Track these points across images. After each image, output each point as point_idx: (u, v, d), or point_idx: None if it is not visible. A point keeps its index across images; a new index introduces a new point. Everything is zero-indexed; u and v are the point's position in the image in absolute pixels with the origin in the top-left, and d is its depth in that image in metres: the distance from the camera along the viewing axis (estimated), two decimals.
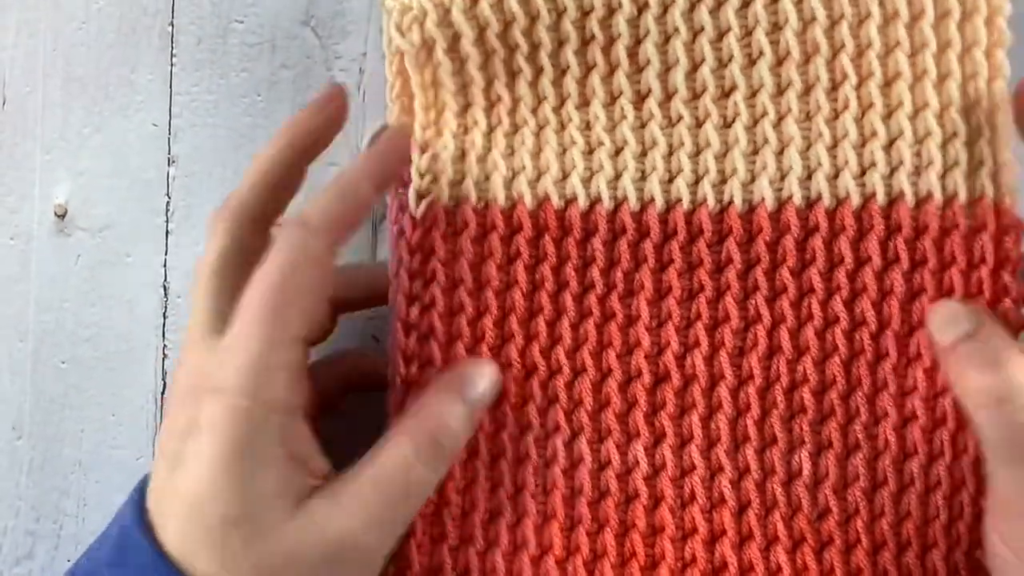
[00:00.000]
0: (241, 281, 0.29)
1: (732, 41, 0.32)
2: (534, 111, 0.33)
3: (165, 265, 0.39)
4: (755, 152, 0.32)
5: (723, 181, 0.32)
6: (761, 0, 0.32)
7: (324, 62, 0.37)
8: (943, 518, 0.31)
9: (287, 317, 0.29)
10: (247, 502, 0.27)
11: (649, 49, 0.32)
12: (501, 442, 0.33)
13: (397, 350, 0.33)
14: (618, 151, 0.33)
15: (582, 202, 0.33)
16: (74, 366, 0.40)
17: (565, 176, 0.33)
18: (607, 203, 0.33)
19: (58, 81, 0.39)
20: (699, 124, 0.33)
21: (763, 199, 0.32)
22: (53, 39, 0.39)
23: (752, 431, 0.32)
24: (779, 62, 0.32)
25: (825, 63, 0.32)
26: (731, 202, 0.32)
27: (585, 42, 0.32)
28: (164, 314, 0.39)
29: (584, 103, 0.33)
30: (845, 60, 0.32)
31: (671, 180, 0.33)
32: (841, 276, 0.32)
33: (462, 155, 0.33)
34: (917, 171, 0.32)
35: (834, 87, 0.32)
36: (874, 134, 0.32)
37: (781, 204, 0.32)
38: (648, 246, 0.33)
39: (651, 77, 0.33)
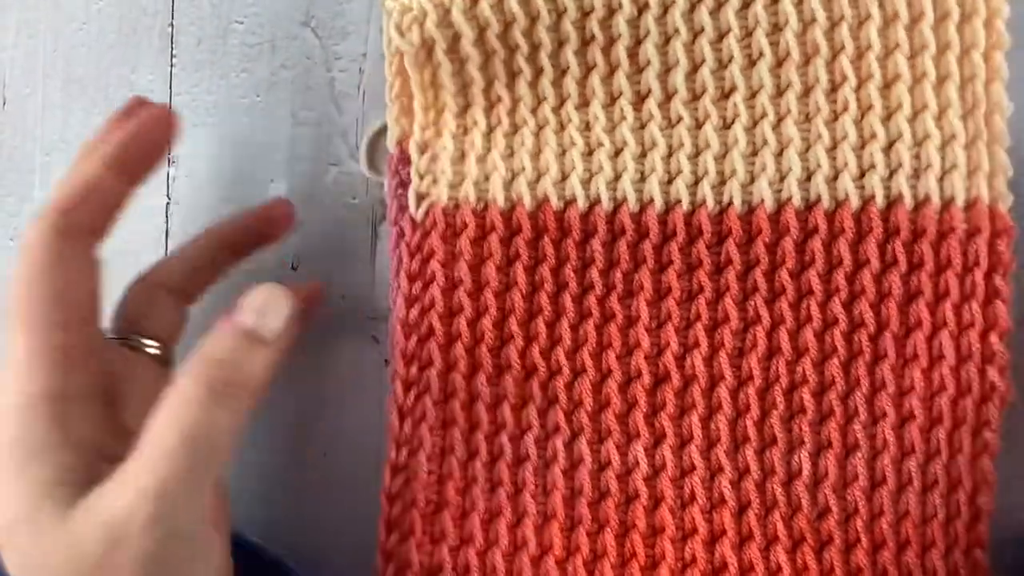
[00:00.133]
0: None
1: (732, 42, 0.32)
2: (534, 112, 0.33)
3: None
4: (754, 153, 0.32)
5: (722, 182, 0.32)
6: (761, 1, 0.32)
7: (324, 63, 0.37)
8: (941, 517, 0.31)
9: (43, 311, 0.28)
10: (27, 497, 0.26)
11: (649, 50, 0.32)
12: (501, 442, 0.33)
13: (397, 351, 0.33)
14: (617, 152, 0.33)
15: (581, 203, 0.33)
16: None
17: (564, 177, 0.33)
18: (606, 204, 0.33)
19: (58, 82, 0.39)
20: (699, 125, 0.33)
21: (762, 200, 0.32)
22: (53, 40, 0.39)
23: (752, 431, 0.32)
24: (779, 63, 0.32)
25: (825, 64, 0.32)
26: (730, 203, 0.32)
27: (585, 43, 0.32)
28: None
29: (584, 104, 0.33)
30: (845, 62, 0.32)
31: (670, 181, 0.33)
32: (840, 278, 0.32)
33: (461, 156, 0.33)
34: (916, 174, 0.32)
35: (833, 89, 0.32)
36: (873, 136, 0.32)
37: (780, 206, 0.32)
38: (647, 247, 0.33)
39: (651, 78, 0.33)
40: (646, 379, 0.33)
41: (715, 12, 0.32)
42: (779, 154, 0.32)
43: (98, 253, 0.30)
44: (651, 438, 0.32)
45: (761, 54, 0.32)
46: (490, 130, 0.33)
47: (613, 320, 0.33)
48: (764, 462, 0.32)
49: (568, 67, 0.33)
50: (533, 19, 0.32)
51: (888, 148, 0.32)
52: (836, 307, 0.32)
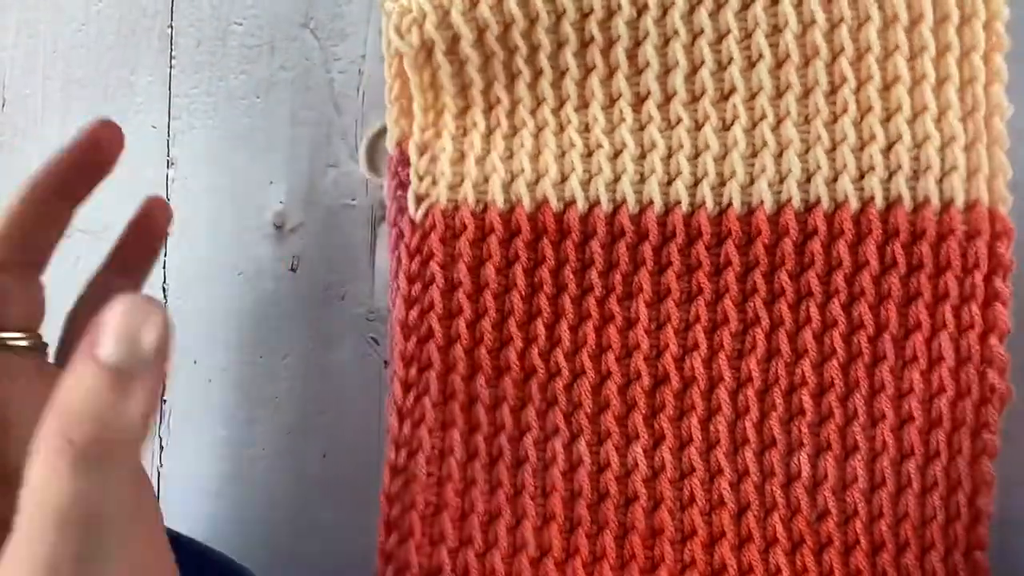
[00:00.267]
0: None
1: (731, 43, 0.32)
2: (533, 113, 0.33)
3: (164, 266, 0.39)
4: (754, 155, 0.32)
5: (722, 184, 0.32)
6: (761, 3, 0.32)
7: (323, 64, 0.37)
8: (940, 519, 0.31)
9: None
10: None
11: (648, 51, 0.32)
12: (500, 444, 0.33)
13: (396, 352, 0.33)
14: (617, 153, 0.33)
15: (581, 205, 0.33)
16: None
17: (564, 179, 0.33)
18: (606, 206, 0.33)
19: (58, 83, 0.39)
20: (698, 127, 0.33)
21: (762, 202, 0.32)
22: (53, 41, 0.39)
23: (751, 433, 0.32)
24: (778, 65, 0.32)
25: (824, 66, 0.32)
26: (730, 205, 0.32)
27: (584, 44, 0.32)
28: None
29: (583, 105, 0.33)
30: (844, 63, 0.32)
31: (670, 183, 0.33)
32: (839, 279, 0.32)
33: (461, 157, 0.33)
34: (915, 175, 0.32)
35: (833, 90, 0.32)
36: (873, 138, 0.32)
37: (780, 207, 0.32)
38: (647, 248, 0.33)
39: (650, 79, 0.33)
40: (645, 380, 0.33)
41: (714, 14, 0.32)
42: (778, 155, 0.32)
43: None
44: (650, 440, 0.32)
45: (760, 56, 0.32)
46: (489, 131, 0.33)
47: (612, 322, 0.33)
48: (763, 464, 0.32)
49: (567, 69, 0.33)
50: (532, 21, 0.32)
51: (887, 150, 0.32)
52: (835, 309, 0.32)
